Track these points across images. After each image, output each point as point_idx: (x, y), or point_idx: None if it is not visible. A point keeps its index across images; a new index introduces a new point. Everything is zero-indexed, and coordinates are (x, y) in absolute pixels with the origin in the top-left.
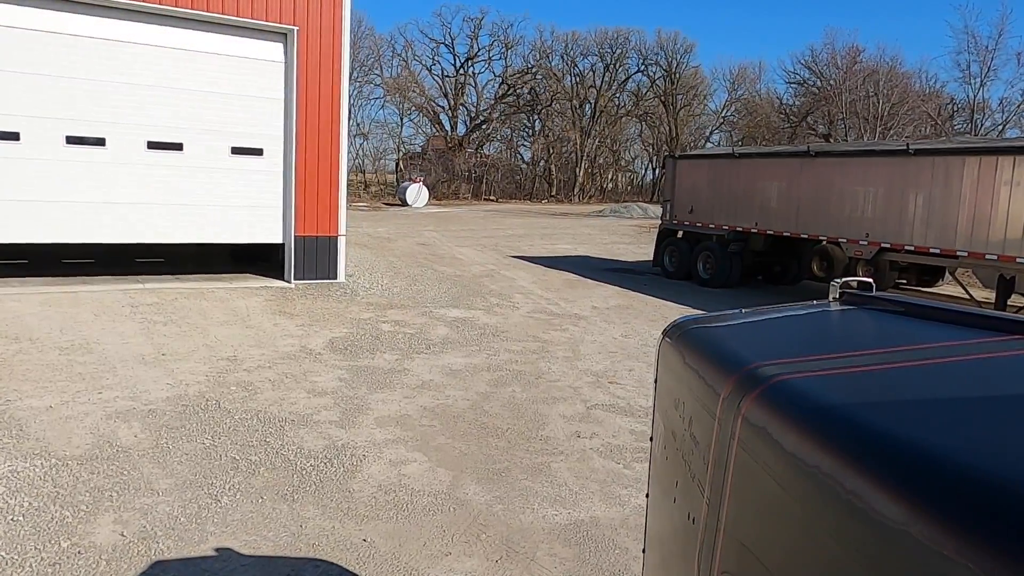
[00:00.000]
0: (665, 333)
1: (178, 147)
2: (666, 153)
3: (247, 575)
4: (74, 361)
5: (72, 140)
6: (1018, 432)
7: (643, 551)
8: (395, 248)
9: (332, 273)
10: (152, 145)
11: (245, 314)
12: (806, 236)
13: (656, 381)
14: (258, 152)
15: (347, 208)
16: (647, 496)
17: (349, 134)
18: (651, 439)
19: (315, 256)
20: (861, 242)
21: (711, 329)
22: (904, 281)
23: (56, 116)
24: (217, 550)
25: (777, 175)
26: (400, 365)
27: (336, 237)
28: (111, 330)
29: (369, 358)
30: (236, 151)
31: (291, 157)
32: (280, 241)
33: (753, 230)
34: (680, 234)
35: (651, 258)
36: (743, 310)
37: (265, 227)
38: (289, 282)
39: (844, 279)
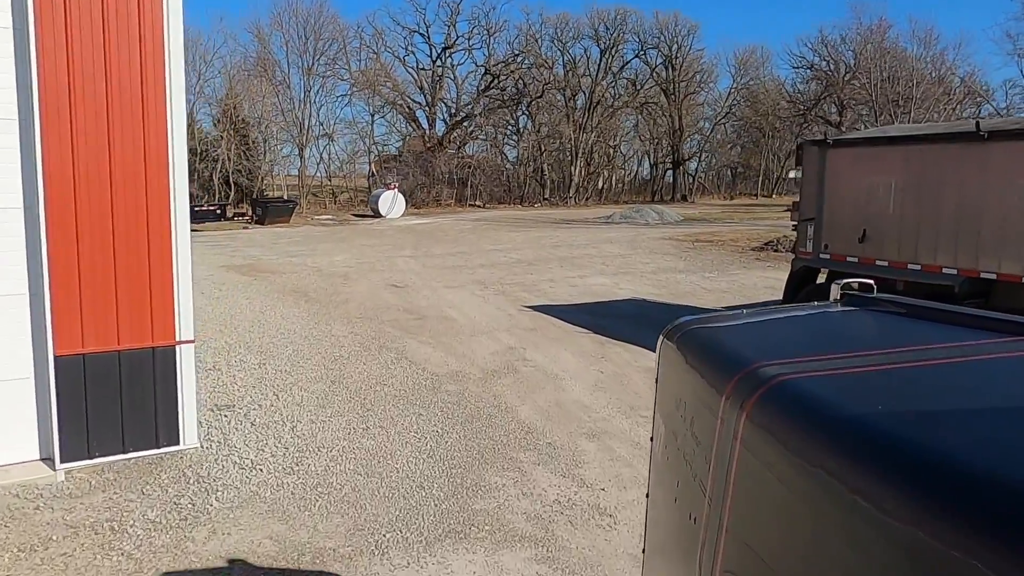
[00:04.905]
0: (666, 333)
1: None
2: (803, 139)
3: None
4: None
5: None
6: (1019, 431)
7: (643, 551)
8: (350, 298)
9: (166, 435)
10: None
11: None
12: None
13: (657, 381)
14: None
15: (309, 222)
16: (647, 496)
17: (311, 134)
18: (651, 439)
19: (117, 396)
20: None
21: (713, 329)
22: None
23: None
24: None
25: None
26: None
27: (173, 347)
28: None
29: None
30: None
31: (35, 174)
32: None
33: (1022, 277)
34: (824, 274)
35: (743, 302)
36: (744, 310)
37: None
38: (52, 465)
39: (845, 280)
